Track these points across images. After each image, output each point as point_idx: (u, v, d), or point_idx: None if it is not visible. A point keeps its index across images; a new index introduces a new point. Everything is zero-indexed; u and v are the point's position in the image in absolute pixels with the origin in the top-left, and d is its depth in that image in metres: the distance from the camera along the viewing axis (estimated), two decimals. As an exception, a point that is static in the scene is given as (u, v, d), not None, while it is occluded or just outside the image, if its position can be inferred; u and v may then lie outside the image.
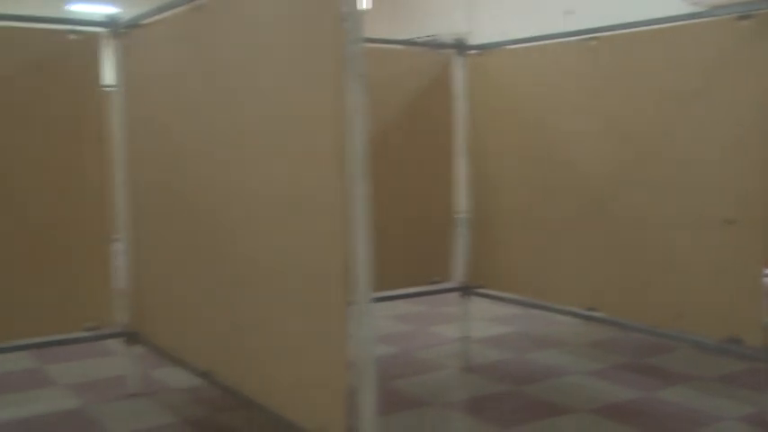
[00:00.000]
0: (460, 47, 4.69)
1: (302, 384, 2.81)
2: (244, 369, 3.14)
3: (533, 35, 4.37)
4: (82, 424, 3.70)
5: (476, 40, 4.86)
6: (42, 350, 4.80)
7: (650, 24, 3.74)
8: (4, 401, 4.05)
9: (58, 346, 4.12)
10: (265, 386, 3.01)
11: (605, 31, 3.97)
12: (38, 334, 3.82)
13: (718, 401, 3.96)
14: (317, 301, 2.69)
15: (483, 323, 5.48)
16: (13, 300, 3.71)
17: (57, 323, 3.84)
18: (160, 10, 3.55)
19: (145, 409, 3.87)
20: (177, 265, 3.61)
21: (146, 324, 3.98)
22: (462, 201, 4.81)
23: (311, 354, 2.74)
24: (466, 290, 4.95)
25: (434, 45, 4.84)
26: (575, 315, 4.50)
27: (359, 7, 2.38)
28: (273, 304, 2.92)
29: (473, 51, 4.70)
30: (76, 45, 3.79)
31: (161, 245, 3.77)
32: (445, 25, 12.61)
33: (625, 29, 3.84)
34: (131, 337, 4.07)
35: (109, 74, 3.97)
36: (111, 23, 3.92)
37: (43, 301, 3.78)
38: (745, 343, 3.49)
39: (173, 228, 3.63)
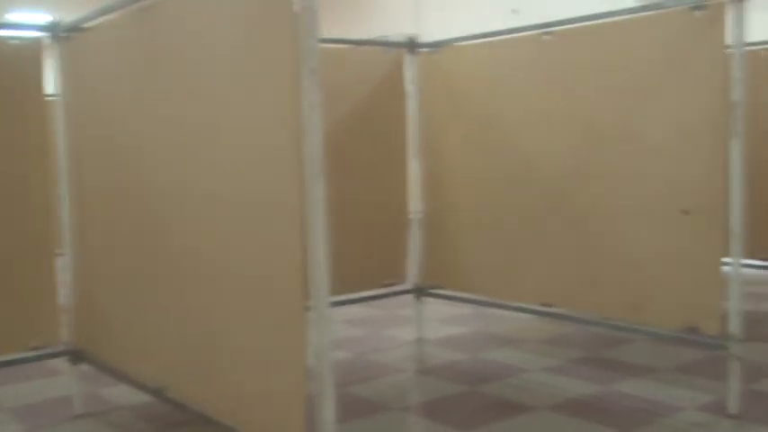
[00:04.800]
0: (412, 45, 4.65)
1: (259, 395, 2.71)
2: (197, 384, 3.03)
3: (483, 32, 4.35)
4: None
5: (425, 39, 4.81)
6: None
7: (601, 18, 3.75)
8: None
9: (2, 367, 3.92)
10: (220, 400, 2.90)
11: (556, 26, 3.96)
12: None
13: (678, 392, 3.98)
14: (274, 307, 2.61)
15: (437, 324, 5.43)
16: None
17: (2, 343, 3.68)
18: (103, 12, 3.41)
19: (89, 431, 3.72)
20: (124, 279, 3.47)
21: (92, 341, 3.81)
22: (416, 201, 4.77)
23: (268, 363, 2.65)
24: (419, 291, 4.91)
25: (385, 44, 4.78)
26: (531, 312, 4.50)
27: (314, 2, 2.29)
28: (228, 313, 2.82)
29: (424, 49, 4.67)
30: (18, 52, 3.62)
31: (106, 258, 3.62)
32: (392, 26, 12.55)
33: (575, 23, 3.85)
34: (76, 355, 3.90)
35: (54, 82, 3.81)
36: (52, 27, 3.73)
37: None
38: (703, 332, 3.53)
39: (118, 240, 3.49)
